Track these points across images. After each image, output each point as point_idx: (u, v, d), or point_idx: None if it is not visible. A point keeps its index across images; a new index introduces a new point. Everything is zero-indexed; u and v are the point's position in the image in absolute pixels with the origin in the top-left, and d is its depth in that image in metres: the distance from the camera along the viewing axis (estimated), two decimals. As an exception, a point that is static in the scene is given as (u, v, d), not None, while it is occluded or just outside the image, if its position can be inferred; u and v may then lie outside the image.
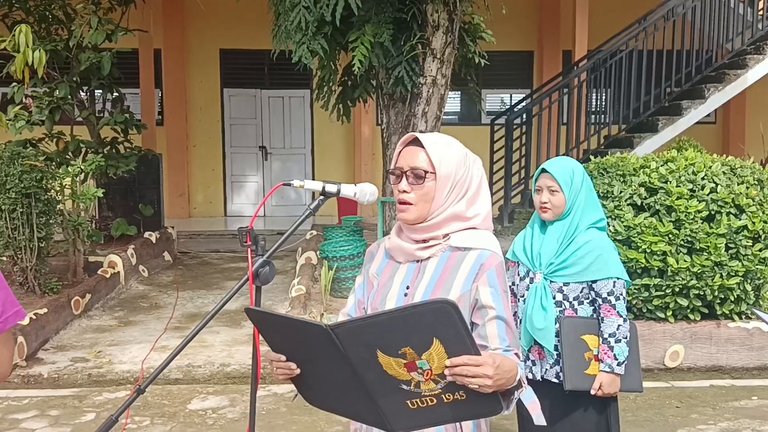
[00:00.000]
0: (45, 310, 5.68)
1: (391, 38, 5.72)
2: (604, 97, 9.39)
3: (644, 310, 5.07)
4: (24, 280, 6.25)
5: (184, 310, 6.76)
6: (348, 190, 1.98)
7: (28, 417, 4.38)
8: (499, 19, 6.52)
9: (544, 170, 2.77)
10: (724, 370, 5.13)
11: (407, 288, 1.82)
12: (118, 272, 7.43)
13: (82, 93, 8.57)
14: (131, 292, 7.46)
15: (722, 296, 5.02)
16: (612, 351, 2.65)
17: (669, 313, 5.05)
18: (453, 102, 12.65)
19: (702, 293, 4.97)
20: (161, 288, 7.70)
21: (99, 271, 7.15)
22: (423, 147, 1.79)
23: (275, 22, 5.99)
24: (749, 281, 5.03)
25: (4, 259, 6.08)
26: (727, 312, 5.11)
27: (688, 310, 5.05)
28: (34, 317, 5.42)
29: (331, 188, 1.96)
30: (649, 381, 4.94)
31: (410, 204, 1.78)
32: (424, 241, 1.82)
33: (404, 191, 1.79)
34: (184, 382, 4.97)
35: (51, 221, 6.35)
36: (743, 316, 5.17)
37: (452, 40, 6.04)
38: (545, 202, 2.74)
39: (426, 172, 1.77)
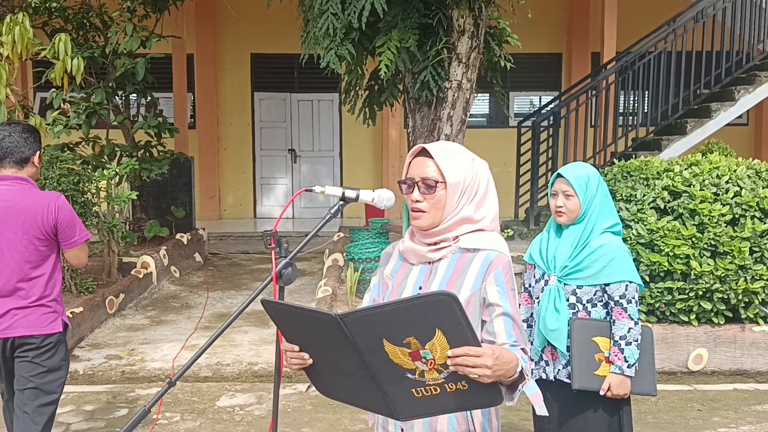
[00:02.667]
0: (81, 309, 5.88)
1: (417, 43, 5.79)
2: (632, 100, 9.35)
3: (667, 314, 5.08)
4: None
5: (214, 310, 6.91)
6: (366, 196, 2.07)
7: (64, 412, 4.54)
8: (527, 21, 6.54)
9: (559, 175, 2.84)
10: (748, 374, 5.12)
11: (420, 288, 1.90)
12: (151, 273, 7.62)
13: (117, 98, 8.76)
14: (163, 292, 7.65)
15: (747, 300, 5.01)
16: (622, 353, 2.70)
17: (692, 317, 5.06)
18: (481, 104, 12.66)
19: (726, 297, 4.97)
20: (192, 288, 7.88)
21: (132, 272, 7.35)
22: (432, 157, 1.86)
23: (304, 28, 6.09)
24: (775, 285, 5.01)
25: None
26: (752, 316, 5.09)
27: (712, 314, 5.05)
28: (70, 316, 5.61)
29: (350, 194, 2.07)
30: (671, 384, 4.96)
31: (423, 212, 1.87)
32: (435, 243, 1.90)
33: (417, 201, 1.87)
34: (213, 380, 5.11)
35: (87, 223, 6.54)
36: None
37: (478, 44, 6.09)
38: (560, 206, 2.81)
39: (436, 182, 1.85)
